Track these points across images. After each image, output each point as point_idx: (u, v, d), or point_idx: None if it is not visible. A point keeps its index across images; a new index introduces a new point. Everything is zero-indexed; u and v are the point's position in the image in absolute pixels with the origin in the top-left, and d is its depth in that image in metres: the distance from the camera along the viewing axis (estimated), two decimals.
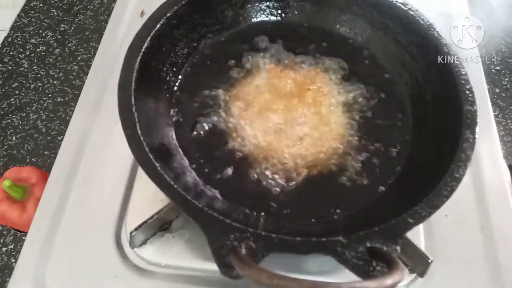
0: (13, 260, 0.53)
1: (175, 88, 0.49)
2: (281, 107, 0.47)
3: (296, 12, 0.55)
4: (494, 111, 0.67)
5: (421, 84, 0.47)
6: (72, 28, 0.78)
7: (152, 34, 0.44)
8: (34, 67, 0.72)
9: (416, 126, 0.46)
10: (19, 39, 0.76)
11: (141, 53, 0.42)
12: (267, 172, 0.43)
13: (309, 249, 0.33)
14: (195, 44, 0.51)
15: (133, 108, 0.39)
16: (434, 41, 0.46)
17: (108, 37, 0.61)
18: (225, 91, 0.49)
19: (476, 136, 0.39)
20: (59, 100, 0.69)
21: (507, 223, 0.46)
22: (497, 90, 0.72)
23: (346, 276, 0.32)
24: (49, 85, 0.70)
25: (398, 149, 0.45)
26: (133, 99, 0.39)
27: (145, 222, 0.41)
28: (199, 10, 0.50)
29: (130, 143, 0.37)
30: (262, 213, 0.41)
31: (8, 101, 0.68)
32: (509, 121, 0.68)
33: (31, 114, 0.67)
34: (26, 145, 0.64)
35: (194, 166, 0.43)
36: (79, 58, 0.74)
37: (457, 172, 0.37)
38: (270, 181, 0.43)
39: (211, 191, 0.42)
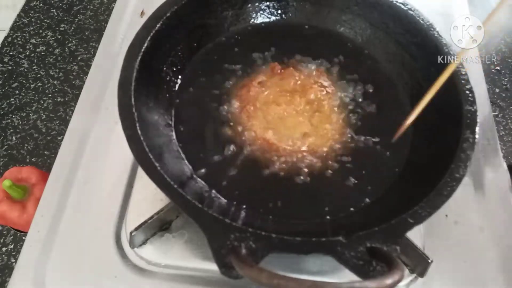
0: (13, 260, 0.53)
1: (175, 88, 0.49)
2: (283, 106, 0.47)
3: (296, 12, 0.55)
4: (494, 111, 0.67)
5: (421, 84, 0.47)
6: (72, 28, 0.78)
7: (152, 34, 0.44)
8: (34, 67, 0.72)
9: (416, 126, 0.46)
10: (19, 39, 0.76)
11: (141, 53, 0.42)
12: (268, 171, 0.43)
13: (309, 249, 0.33)
14: (195, 44, 0.51)
15: (133, 108, 0.39)
16: (434, 41, 0.46)
17: (108, 37, 0.61)
18: (226, 90, 0.49)
19: (476, 136, 0.39)
20: (59, 100, 0.68)
21: (507, 223, 0.46)
22: (497, 90, 0.71)
23: (346, 276, 0.32)
24: (49, 85, 0.70)
25: (398, 149, 0.45)
26: (133, 99, 0.39)
27: (145, 222, 0.41)
28: (199, 10, 0.50)
29: (130, 143, 0.37)
30: (262, 213, 0.41)
31: (8, 101, 0.68)
32: (509, 121, 0.67)
33: (31, 114, 0.67)
34: (26, 145, 0.63)
35: (194, 165, 0.43)
36: (79, 58, 0.73)
37: (457, 172, 0.37)
38: (270, 180, 0.43)
39: (211, 190, 0.42)
